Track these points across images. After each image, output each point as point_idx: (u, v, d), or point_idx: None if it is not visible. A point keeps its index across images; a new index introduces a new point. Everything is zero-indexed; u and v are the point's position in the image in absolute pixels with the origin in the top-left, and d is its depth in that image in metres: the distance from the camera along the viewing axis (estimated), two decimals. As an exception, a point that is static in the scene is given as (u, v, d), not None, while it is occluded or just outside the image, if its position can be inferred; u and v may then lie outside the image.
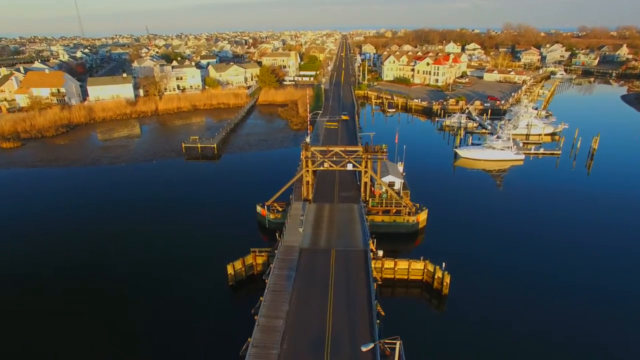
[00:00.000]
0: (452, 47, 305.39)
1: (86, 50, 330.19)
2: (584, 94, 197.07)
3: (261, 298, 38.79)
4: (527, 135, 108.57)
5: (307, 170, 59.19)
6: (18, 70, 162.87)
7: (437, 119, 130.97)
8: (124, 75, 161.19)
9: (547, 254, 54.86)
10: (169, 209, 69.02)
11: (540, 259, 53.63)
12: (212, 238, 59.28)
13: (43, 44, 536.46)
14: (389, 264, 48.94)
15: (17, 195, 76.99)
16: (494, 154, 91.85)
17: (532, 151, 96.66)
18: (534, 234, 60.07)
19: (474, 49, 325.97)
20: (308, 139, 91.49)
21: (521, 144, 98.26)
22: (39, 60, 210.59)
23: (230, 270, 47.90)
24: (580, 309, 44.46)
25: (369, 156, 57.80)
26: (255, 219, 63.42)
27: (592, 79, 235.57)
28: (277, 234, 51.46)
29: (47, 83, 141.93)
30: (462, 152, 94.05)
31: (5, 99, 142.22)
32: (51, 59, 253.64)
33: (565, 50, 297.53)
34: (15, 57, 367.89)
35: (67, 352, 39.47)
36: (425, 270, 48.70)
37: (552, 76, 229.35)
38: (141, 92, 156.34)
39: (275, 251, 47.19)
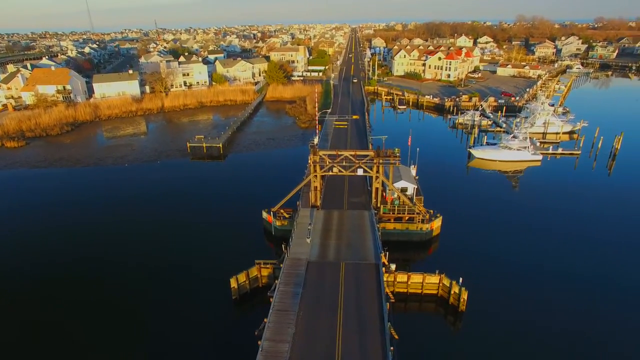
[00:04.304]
0: (464, 41, 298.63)
1: (94, 46, 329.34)
2: (601, 89, 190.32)
3: (265, 319, 36.15)
4: (544, 134, 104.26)
5: (315, 176, 56.25)
6: (25, 67, 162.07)
7: (449, 117, 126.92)
8: (130, 71, 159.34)
9: (571, 265, 51.26)
10: (172, 213, 66.72)
11: (565, 271, 50.08)
12: (216, 245, 56.94)
13: (53, 39, 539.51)
14: (402, 277, 45.98)
15: (17, 198, 75.23)
16: (510, 154, 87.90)
17: (550, 151, 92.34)
18: (557, 243, 56.48)
19: (486, 42, 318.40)
20: (316, 140, 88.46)
21: (538, 144, 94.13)
22: (47, 57, 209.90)
23: (233, 284, 45.34)
24: (616, 334, 41.07)
25: (381, 161, 54.62)
26: (261, 225, 60.83)
27: (609, 73, 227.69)
28: (283, 246, 48.70)
29: (53, 80, 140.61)
30: (477, 153, 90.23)
31: (12, 97, 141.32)
32: (59, 54, 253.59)
33: (582, 43, 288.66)
34: (25, 52, 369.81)
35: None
36: (441, 284, 45.68)
37: (568, 70, 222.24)
38: (147, 88, 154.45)
39: (281, 265, 44.43)
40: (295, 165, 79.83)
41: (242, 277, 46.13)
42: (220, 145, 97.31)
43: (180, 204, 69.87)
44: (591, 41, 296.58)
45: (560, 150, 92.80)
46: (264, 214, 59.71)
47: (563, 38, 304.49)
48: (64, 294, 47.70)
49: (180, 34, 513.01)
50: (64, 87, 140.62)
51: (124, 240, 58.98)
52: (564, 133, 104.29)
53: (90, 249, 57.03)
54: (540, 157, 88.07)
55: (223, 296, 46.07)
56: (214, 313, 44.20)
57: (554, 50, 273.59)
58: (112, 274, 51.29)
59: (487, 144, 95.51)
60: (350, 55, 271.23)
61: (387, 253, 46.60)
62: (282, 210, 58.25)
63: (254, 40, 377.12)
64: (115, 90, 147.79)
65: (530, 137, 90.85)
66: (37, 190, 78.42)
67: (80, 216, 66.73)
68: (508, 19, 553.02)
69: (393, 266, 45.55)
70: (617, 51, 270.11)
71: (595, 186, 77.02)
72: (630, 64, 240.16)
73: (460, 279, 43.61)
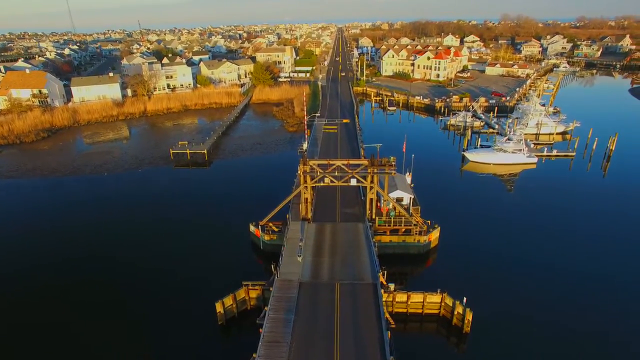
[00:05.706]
0: (450, 40, 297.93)
1: (75, 47, 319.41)
2: (587, 87, 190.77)
3: (254, 354, 32.52)
4: (537, 135, 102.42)
5: (306, 187, 52.71)
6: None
7: (440, 118, 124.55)
8: (111, 74, 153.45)
9: (582, 277, 48.67)
10: (153, 226, 62.50)
11: (576, 284, 47.41)
12: (201, 262, 52.99)
13: (32, 40, 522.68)
14: (401, 297, 42.79)
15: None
16: (505, 157, 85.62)
17: (545, 153, 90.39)
18: (561, 252, 53.91)
19: (473, 42, 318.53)
20: (305, 145, 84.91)
21: (532, 145, 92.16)
22: (23, 59, 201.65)
23: (219, 308, 41.56)
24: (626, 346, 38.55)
25: (375, 170, 51.35)
26: (248, 239, 57.09)
27: (594, 71, 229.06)
28: (272, 266, 45.06)
29: (27, 84, 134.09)
30: (471, 156, 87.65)
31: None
32: (37, 56, 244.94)
33: (567, 42, 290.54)
34: (1, 54, 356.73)
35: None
36: (443, 303, 42.64)
37: (555, 69, 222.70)
38: (129, 91, 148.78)
39: (271, 288, 40.79)
40: (284, 172, 76.24)
41: (228, 300, 42.41)
42: (205, 151, 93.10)
43: (161, 216, 65.67)
44: (575, 40, 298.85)
45: (555, 152, 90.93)
46: (252, 228, 55.99)
47: (548, 37, 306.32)
48: (28, 316, 43.33)
49: (165, 34, 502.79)
50: (39, 90, 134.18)
51: (99, 257, 54.51)
52: (557, 134, 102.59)
53: (60, 265, 52.52)
54: (535, 160, 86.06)
55: (208, 321, 42.27)
56: (198, 341, 40.36)
57: (540, 49, 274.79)
58: (83, 296, 46.96)
59: (481, 146, 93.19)
60: (337, 58, 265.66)
61: (385, 272, 43.31)
62: (270, 224, 54.58)
63: (240, 41, 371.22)
64: (95, 94, 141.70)
65: (524, 139, 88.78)
66: (8, 201, 73.29)
67: (51, 230, 61.98)
68: (493, 18, 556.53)
69: (392, 286, 42.30)
70: (601, 50, 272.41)
71: (594, 189, 75.10)
72: (614, 63, 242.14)
73: (464, 299, 40.56)
